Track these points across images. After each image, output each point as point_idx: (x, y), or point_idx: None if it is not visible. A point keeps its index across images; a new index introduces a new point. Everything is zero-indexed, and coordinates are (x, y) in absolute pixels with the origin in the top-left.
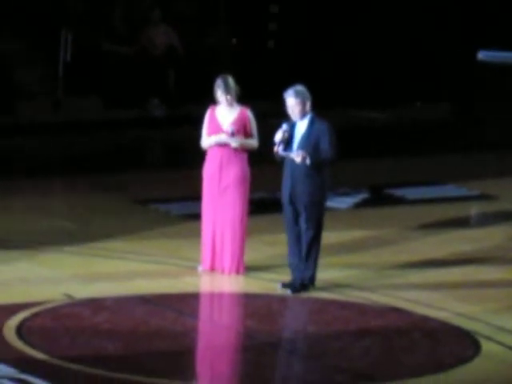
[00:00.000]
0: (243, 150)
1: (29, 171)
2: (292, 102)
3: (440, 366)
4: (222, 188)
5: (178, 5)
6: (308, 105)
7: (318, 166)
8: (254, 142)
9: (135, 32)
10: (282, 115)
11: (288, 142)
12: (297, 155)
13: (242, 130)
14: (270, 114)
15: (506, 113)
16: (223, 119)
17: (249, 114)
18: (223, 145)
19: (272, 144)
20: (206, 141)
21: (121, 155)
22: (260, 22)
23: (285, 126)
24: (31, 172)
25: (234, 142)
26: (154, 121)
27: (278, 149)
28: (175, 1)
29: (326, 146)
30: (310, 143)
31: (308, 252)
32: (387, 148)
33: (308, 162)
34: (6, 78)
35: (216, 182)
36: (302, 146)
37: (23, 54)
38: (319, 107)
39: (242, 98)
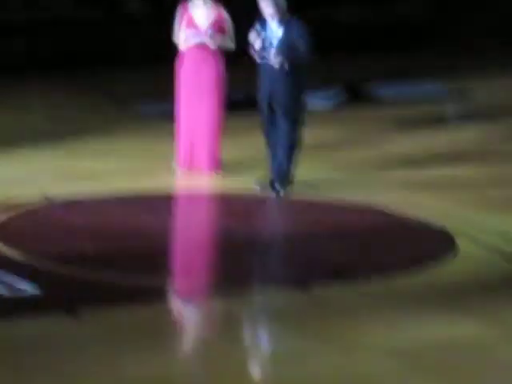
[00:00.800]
0: (220, 50)
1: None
2: (265, 4)
3: (417, 265)
4: (198, 87)
5: None
6: (282, 8)
7: (295, 67)
8: (231, 43)
9: None
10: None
11: (264, 45)
12: (274, 59)
13: (220, 30)
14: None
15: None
16: (200, 19)
17: (225, 14)
18: (201, 45)
19: (247, 46)
20: (182, 40)
21: (94, 53)
22: None
23: (259, 28)
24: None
25: (214, 42)
26: (129, 17)
27: (257, 52)
28: None
29: (302, 46)
30: (286, 45)
31: (287, 152)
32: (363, 47)
33: (285, 65)
34: None
35: (192, 80)
36: (278, 49)
37: None
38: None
39: None
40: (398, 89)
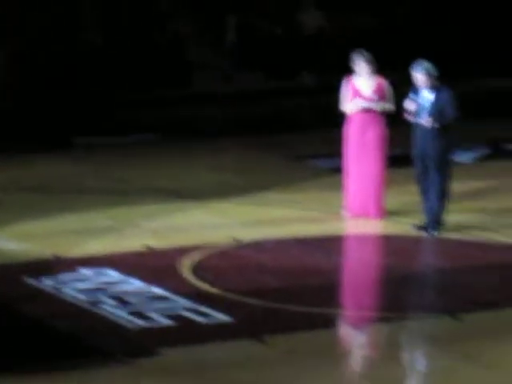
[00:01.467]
0: (382, 113)
1: (206, 134)
2: (421, 75)
3: None
4: (363, 146)
5: None
6: (434, 77)
7: (444, 127)
8: (391, 106)
9: (289, 15)
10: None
11: (417, 109)
12: (426, 121)
13: (382, 96)
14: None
15: None
16: (363, 87)
17: (385, 82)
18: (366, 110)
19: (402, 109)
20: (349, 105)
21: (282, 119)
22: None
23: (412, 95)
24: (208, 134)
25: (378, 107)
26: (305, 90)
27: (411, 115)
28: None
29: (450, 110)
30: (438, 109)
31: (439, 199)
32: (504, 111)
33: (436, 125)
34: (180, 55)
35: (358, 140)
36: (430, 112)
37: (195, 35)
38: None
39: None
40: None
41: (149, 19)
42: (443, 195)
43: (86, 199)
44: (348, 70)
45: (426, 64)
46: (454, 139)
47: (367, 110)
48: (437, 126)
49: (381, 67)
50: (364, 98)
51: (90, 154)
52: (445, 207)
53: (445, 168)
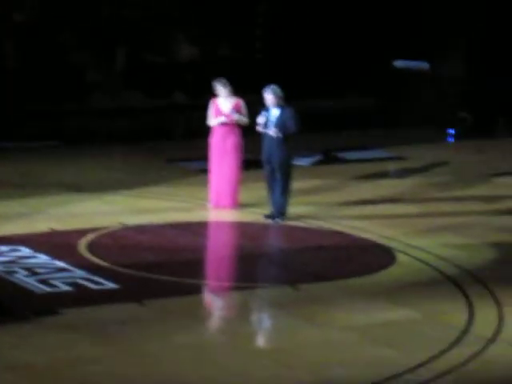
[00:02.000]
0: (238, 125)
1: (99, 140)
2: (269, 96)
3: (369, 270)
4: (223, 151)
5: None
6: (279, 98)
7: (286, 137)
8: (245, 120)
9: (168, 47)
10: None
11: (266, 122)
12: (273, 131)
13: (238, 112)
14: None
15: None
16: (223, 106)
17: (242, 102)
18: (223, 123)
19: (256, 123)
20: (213, 121)
21: (156, 130)
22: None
23: (264, 112)
24: (100, 141)
25: (236, 117)
26: (179, 107)
27: (261, 127)
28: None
29: (291, 124)
30: (281, 123)
31: (282, 194)
32: (333, 127)
33: (279, 134)
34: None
35: (219, 147)
36: (276, 125)
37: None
38: (289, 98)
39: (236, 93)
40: (358, 154)
41: (55, 49)
42: (286, 191)
43: (2, 191)
44: (212, 92)
45: (274, 87)
46: (293, 147)
47: (226, 124)
48: (280, 135)
49: (241, 90)
50: (224, 115)
51: (5, 155)
52: (287, 201)
53: (287, 170)
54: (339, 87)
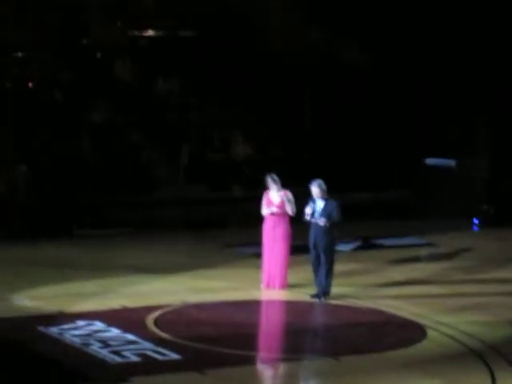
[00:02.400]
0: (287, 215)
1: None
2: (315, 189)
3: (403, 344)
4: (275, 238)
5: (253, 128)
6: (324, 191)
7: (330, 226)
8: (293, 208)
9: (227, 146)
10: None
11: (313, 212)
12: (320, 221)
13: (285, 204)
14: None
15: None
16: (273, 198)
17: (289, 193)
18: (274, 213)
19: (303, 213)
20: (265, 211)
21: (219, 219)
22: (298, 143)
23: (311, 203)
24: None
25: (287, 202)
26: (236, 199)
27: (308, 216)
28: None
29: (335, 214)
30: (327, 213)
31: (326, 276)
32: (372, 216)
33: (326, 224)
34: (150, 173)
35: (271, 234)
36: (322, 215)
37: (160, 161)
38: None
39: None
40: (393, 241)
41: (127, 149)
42: (329, 273)
43: (80, 273)
44: (265, 186)
45: (319, 181)
46: (336, 234)
47: (277, 213)
48: (326, 224)
49: (290, 184)
50: (274, 205)
51: (85, 240)
52: (330, 282)
53: (331, 254)
54: (378, 181)
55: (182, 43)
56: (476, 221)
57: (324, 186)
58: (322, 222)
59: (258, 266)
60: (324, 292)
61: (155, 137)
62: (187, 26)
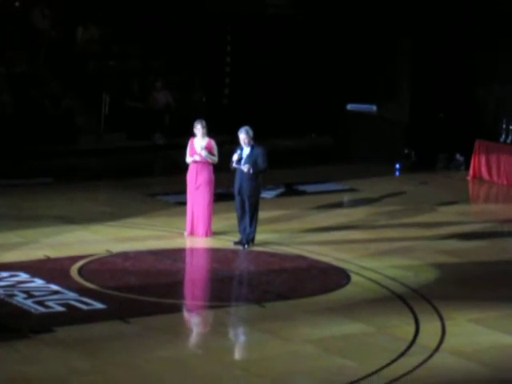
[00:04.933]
0: (209, 163)
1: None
2: (242, 136)
3: (327, 289)
4: (197, 185)
5: (172, 77)
6: (250, 137)
7: (256, 173)
8: (215, 159)
9: (147, 94)
10: (235, 143)
11: (239, 159)
12: (244, 167)
13: (210, 151)
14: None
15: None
16: (197, 145)
17: (213, 142)
18: (197, 161)
19: (230, 160)
20: (188, 158)
21: (141, 168)
22: (218, 89)
23: (238, 150)
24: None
25: (204, 154)
26: (158, 147)
27: (234, 163)
28: (171, 74)
29: (261, 161)
30: (252, 160)
31: (250, 223)
32: (294, 163)
33: (251, 171)
34: (70, 121)
35: (194, 182)
36: (247, 162)
37: (81, 110)
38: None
39: (210, 132)
40: (316, 187)
41: (45, 96)
42: (253, 220)
43: (1, 223)
44: (186, 133)
45: (247, 128)
46: (261, 182)
47: (198, 161)
48: (250, 171)
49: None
50: (196, 153)
51: (1, 191)
52: (255, 229)
53: (255, 202)
54: (299, 128)
55: None
56: (398, 165)
57: (251, 133)
58: (245, 168)
59: (183, 214)
60: (248, 239)
61: (75, 86)
62: None
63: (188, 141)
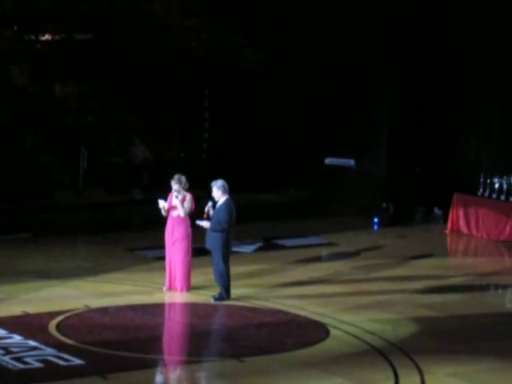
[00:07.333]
0: (187, 218)
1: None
2: (215, 190)
3: (305, 344)
4: (173, 240)
5: (150, 133)
6: (224, 191)
7: (221, 229)
8: (182, 210)
9: (125, 149)
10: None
11: (208, 215)
12: (202, 223)
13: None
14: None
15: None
16: (174, 200)
17: (188, 196)
18: (173, 216)
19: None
20: (164, 213)
21: (116, 223)
22: (197, 144)
23: (210, 203)
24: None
25: (175, 202)
26: (136, 202)
27: (201, 221)
28: (150, 129)
29: (221, 218)
30: (217, 214)
31: (215, 277)
32: (273, 216)
33: (211, 228)
34: (47, 176)
35: (170, 237)
36: (213, 216)
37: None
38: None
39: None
40: (294, 241)
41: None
42: (218, 274)
43: None
44: (165, 188)
45: (219, 182)
46: (229, 237)
47: (176, 215)
48: (212, 228)
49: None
50: (172, 208)
51: None
52: (223, 283)
53: (218, 255)
54: (278, 182)
55: (79, 46)
56: (376, 219)
57: (222, 187)
58: (202, 224)
59: (161, 269)
60: (218, 294)
61: (53, 140)
62: (84, 29)
63: (169, 195)
